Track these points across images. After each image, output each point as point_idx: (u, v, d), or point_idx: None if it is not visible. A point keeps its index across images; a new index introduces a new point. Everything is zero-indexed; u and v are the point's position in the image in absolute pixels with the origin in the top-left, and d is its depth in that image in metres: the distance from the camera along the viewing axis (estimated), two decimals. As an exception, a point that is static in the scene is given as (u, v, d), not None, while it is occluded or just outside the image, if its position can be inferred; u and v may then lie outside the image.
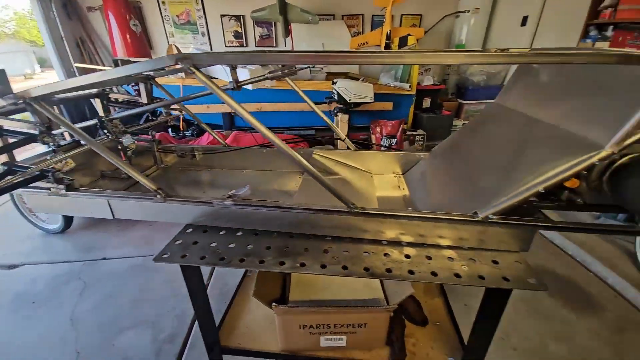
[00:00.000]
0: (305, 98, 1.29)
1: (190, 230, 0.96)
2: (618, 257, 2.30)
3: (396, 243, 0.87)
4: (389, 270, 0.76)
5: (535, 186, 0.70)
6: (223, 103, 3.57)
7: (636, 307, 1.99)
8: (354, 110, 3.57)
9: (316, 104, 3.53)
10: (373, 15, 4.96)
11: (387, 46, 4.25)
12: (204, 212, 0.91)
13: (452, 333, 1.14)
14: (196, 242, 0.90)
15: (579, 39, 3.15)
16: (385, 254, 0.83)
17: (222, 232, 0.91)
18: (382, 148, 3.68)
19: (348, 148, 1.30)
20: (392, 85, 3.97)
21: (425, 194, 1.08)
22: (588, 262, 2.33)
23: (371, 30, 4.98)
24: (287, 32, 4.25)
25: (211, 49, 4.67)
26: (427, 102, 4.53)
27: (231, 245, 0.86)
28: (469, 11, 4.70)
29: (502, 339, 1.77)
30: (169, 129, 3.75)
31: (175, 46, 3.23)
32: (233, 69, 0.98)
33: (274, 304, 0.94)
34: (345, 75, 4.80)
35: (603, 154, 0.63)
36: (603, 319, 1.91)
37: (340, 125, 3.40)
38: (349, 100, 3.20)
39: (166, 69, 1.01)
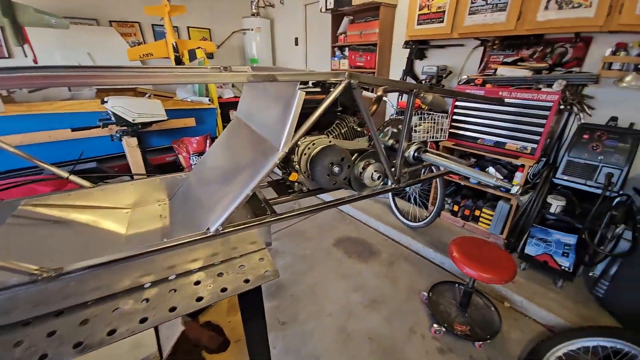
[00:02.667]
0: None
1: None
2: (384, 211, 3.20)
3: (136, 289, 0.74)
4: (111, 332, 0.63)
5: (245, 191, 0.76)
6: None
7: (398, 243, 2.84)
8: (145, 131, 3.10)
9: (87, 128, 2.82)
10: (153, 25, 4.50)
11: (177, 59, 3.98)
12: None
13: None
14: None
15: (331, 58, 4.12)
16: (115, 310, 0.68)
17: None
18: (193, 166, 3.43)
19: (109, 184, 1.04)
20: (189, 100, 3.76)
21: (183, 218, 1.01)
22: (367, 221, 3.11)
23: (155, 40, 4.52)
24: (22, 38, 3.13)
25: None
26: (233, 114, 4.64)
27: None
28: (252, 29, 5.16)
29: (320, 311, 2.05)
30: None
31: None
32: None
33: None
34: (134, 92, 4.14)
35: (280, 154, 0.77)
36: (381, 260, 2.59)
37: (129, 150, 2.87)
38: (133, 120, 2.73)
39: None
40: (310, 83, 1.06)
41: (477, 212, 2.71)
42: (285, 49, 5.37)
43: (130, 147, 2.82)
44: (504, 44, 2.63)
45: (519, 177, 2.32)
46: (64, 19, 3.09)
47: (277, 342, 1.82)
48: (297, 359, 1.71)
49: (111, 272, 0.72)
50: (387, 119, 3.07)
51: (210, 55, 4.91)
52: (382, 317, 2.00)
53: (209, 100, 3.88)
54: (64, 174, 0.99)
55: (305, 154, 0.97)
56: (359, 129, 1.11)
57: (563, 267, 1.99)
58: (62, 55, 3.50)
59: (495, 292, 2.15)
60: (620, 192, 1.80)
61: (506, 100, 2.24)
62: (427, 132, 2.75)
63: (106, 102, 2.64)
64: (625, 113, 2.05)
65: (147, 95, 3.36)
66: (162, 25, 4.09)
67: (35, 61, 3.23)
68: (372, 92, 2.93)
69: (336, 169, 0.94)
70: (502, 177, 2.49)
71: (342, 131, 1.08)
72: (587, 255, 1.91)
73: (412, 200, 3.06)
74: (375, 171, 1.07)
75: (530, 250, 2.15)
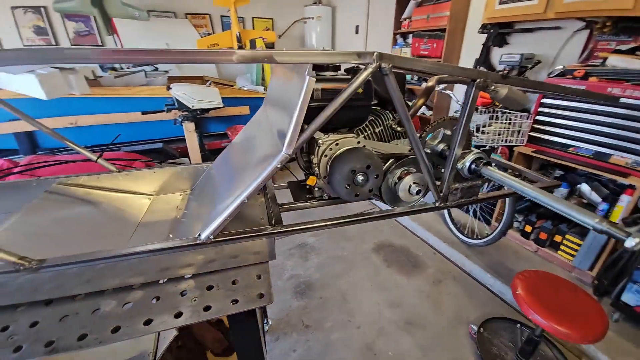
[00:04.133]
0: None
1: None
2: (435, 220, 2.84)
3: (125, 289, 0.70)
4: (81, 338, 0.58)
5: (239, 199, 0.64)
6: (12, 120, 2.67)
7: (449, 259, 2.49)
8: (203, 117, 3.28)
9: (155, 112, 3.09)
10: (222, 16, 4.73)
11: (240, 49, 4.12)
12: None
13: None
14: None
15: (391, 46, 3.78)
16: (95, 310, 0.64)
17: None
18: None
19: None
20: (245, 88, 3.87)
21: (195, 213, 0.95)
22: (415, 228, 2.80)
23: (222, 31, 4.75)
24: (111, 29, 3.57)
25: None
26: (287, 104, 4.65)
27: None
28: (313, 18, 5.06)
29: (349, 321, 1.89)
30: None
31: None
32: None
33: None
34: (201, 80, 4.44)
35: (282, 157, 0.62)
36: (426, 275, 2.29)
37: (188, 134, 3.06)
38: (192, 106, 2.89)
39: None
40: (342, 69, 0.88)
41: (557, 238, 2.19)
42: (345, 37, 5.15)
43: (189, 131, 3.01)
44: (618, 27, 2.00)
45: (625, 200, 1.77)
46: (145, 12, 3.41)
47: (298, 345, 1.73)
48: (314, 371, 1.60)
49: (104, 267, 0.68)
50: (450, 116, 2.66)
51: (270, 45, 4.98)
52: (417, 343, 1.75)
53: (264, 89, 3.93)
54: (92, 156, 1.01)
55: (326, 156, 0.81)
56: (398, 129, 0.90)
57: (683, 331, 1.45)
58: (145, 45, 3.90)
59: (571, 343, 1.70)
60: None
61: (621, 99, 1.70)
62: (499, 135, 2.30)
63: (171, 88, 2.83)
64: None
65: (208, 83, 3.54)
66: (229, 17, 4.25)
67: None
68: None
69: (360, 178, 0.76)
70: (603, 214, 1.94)
71: (377, 130, 0.89)
72: None
73: (472, 213, 2.63)
74: (414, 183, 0.85)
75: (629, 298, 1.63)
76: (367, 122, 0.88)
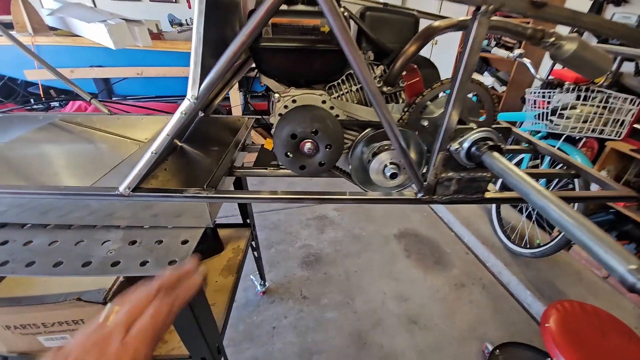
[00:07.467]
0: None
1: None
2: (477, 215, 2.44)
3: (62, 227, 0.71)
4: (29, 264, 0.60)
5: (149, 151, 0.56)
6: (94, 66, 3.05)
7: (483, 263, 2.14)
8: (250, 76, 3.28)
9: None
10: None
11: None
12: None
13: (222, 313, 1.06)
14: None
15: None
16: (28, 243, 0.66)
17: None
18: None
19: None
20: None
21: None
22: (450, 221, 2.45)
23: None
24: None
25: None
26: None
27: None
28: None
29: (346, 303, 1.80)
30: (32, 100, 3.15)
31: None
32: None
33: None
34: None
35: (185, 105, 0.51)
36: (448, 276, 2.02)
37: (231, 92, 3.11)
38: (236, 63, 2.90)
39: None
40: None
41: (641, 267, 1.66)
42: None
43: (232, 89, 3.05)
44: None
45: None
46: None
47: (290, 313, 1.73)
48: (299, 343, 1.58)
49: (51, 202, 0.69)
50: (527, 94, 2.11)
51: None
52: (415, 345, 1.58)
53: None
54: (86, 96, 1.04)
55: (280, 115, 0.66)
56: (385, 89, 0.68)
57: None
58: None
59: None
60: None
61: None
62: (588, 122, 1.74)
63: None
64: None
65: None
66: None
67: None
68: (510, 50, 2.05)
69: (307, 146, 0.60)
70: None
71: (354, 89, 0.69)
72: None
73: (525, 214, 2.17)
74: (391, 163, 0.66)
75: None
76: (344, 77, 0.69)
